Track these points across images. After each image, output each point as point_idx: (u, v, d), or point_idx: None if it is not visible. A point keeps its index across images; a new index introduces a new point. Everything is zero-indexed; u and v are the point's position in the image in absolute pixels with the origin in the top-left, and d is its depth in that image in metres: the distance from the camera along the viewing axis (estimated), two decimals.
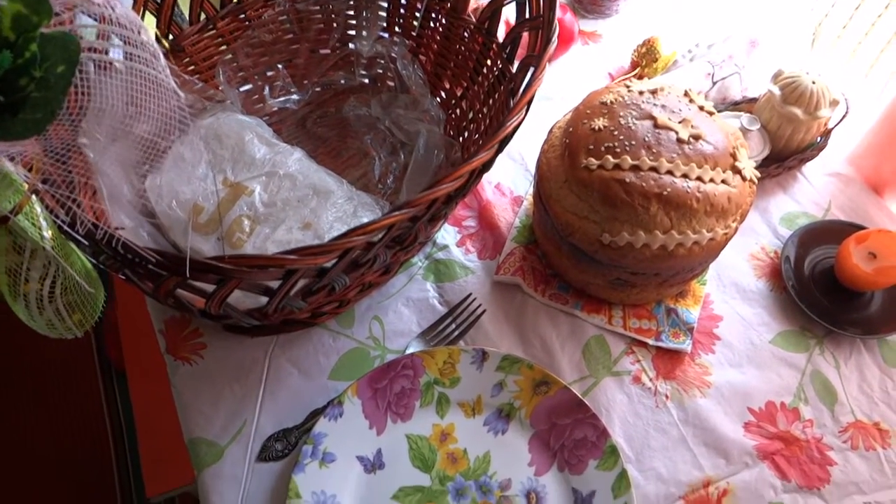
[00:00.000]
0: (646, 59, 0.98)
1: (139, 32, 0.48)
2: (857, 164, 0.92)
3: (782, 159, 0.88)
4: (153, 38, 0.51)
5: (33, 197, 0.49)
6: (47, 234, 0.51)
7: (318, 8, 0.91)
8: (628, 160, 0.68)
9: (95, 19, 0.49)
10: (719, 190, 0.69)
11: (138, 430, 1.09)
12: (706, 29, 1.04)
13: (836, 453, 0.73)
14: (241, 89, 0.89)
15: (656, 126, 0.70)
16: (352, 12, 0.92)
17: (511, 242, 0.85)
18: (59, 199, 0.47)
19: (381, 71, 0.95)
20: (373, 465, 0.71)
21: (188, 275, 0.49)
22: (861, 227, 0.83)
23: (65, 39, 0.43)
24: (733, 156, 0.71)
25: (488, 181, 0.90)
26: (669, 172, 0.68)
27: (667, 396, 0.76)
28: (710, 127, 0.71)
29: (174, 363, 0.77)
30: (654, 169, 0.68)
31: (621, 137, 0.69)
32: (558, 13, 0.98)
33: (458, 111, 0.89)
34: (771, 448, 0.73)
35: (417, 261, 0.84)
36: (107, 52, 0.51)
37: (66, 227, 0.48)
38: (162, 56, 0.50)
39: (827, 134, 0.89)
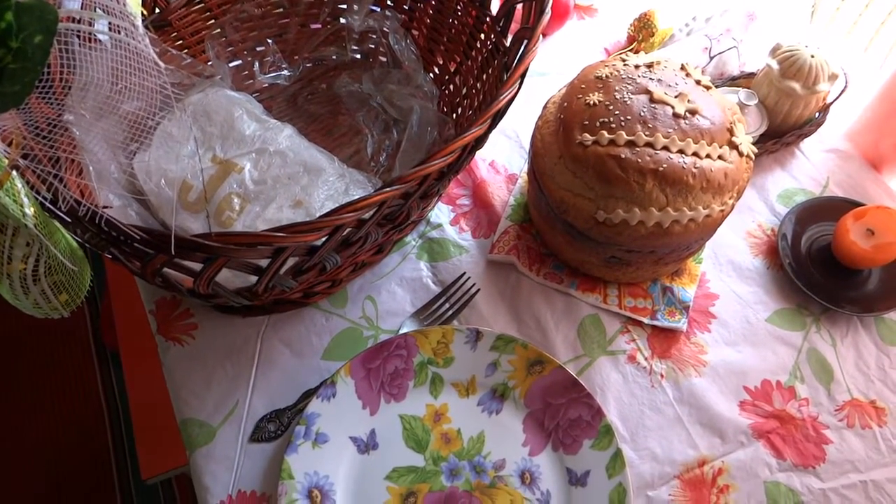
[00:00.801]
0: (642, 34, 0.97)
1: (122, 2, 0.47)
2: (856, 139, 0.91)
3: (780, 135, 0.87)
4: (137, 13, 0.49)
5: (14, 173, 0.48)
6: (29, 211, 0.49)
7: None
8: (624, 135, 0.67)
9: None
10: (716, 166, 0.68)
11: (132, 411, 1.08)
12: (703, 2, 1.02)
13: (831, 432, 0.72)
14: (231, 65, 0.87)
15: (652, 101, 0.69)
16: None
17: (505, 221, 0.84)
18: (41, 175, 0.46)
19: (373, 46, 0.93)
20: (366, 445, 0.70)
21: (174, 252, 0.48)
22: (859, 204, 0.82)
23: (42, 8, 0.41)
24: (730, 131, 0.70)
25: (482, 159, 0.89)
26: (665, 148, 0.67)
27: (662, 375, 0.75)
28: (706, 102, 0.70)
29: (165, 343, 0.76)
30: (649, 144, 0.67)
31: (616, 112, 0.68)
32: None
33: (451, 87, 0.87)
34: (766, 427, 0.72)
35: (411, 240, 0.83)
36: (91, 24, 0.50)
37: (48, 205, 0.46)
38: (143, 29, 0.48)
39: (825, 109, 0.88)
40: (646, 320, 0.78)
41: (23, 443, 1.49)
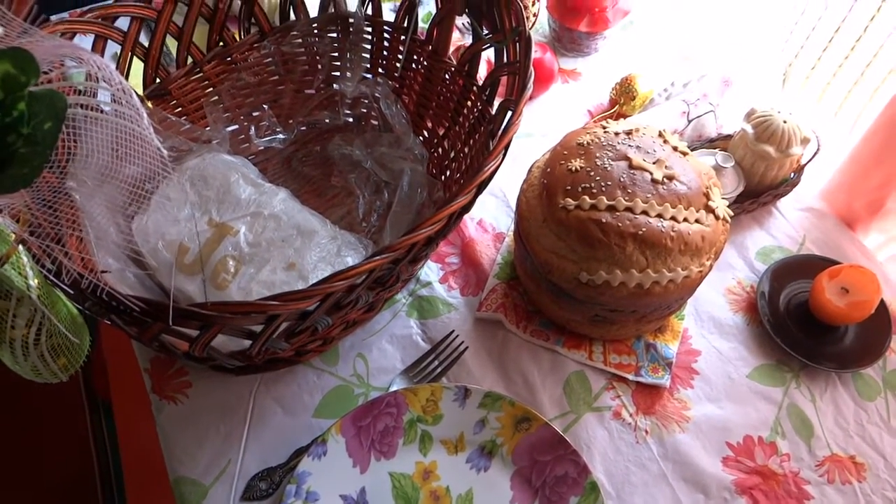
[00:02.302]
0: (623, 97, 1.01)
1: (124, 91, 0.50)
2: (830, 199, 0.94)
3: (757, 195, 0.91)
4: (135, 97, 0.52)
5: (20, 247, 0.50)
6: (33, 282, 0.52)
7: (303, 50, 0.93)
8: (604, 200, 0.70)
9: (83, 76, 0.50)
10: (693, 229, 0.71)
11: (125, 468, 1.09)
12: (682, 68, 1.07)
13: (813, 487, 0.74)
14: (228, 129, 0.91)
15: (631, 167, 0.72)
16: (336, 54, 0.94)
17: (493, 279, 0.86)
18: (46, 249, 0.48)
19: (364, 110, 0.97)
20: (356, 503, 0.72)
21: (171, 322, 0.50)
22: (834, 262, 0.85)
23: (52, 97, 0.44)
24: (706, 195, 0.73)
25: (471, 218, 0.92)
26: (644, 213, 0.70)
27: (647, 432, 0.77)
28: (683, 167, 0.73)
29: (160, 402, 0.78)
30: (629, 209, 0.70)
31: (597, 178, 0.71)
32: (538, 53, 1.01)
33: (440, 150, 0.90)
34: (749, 483, 0.74)
35: (401, 297, 0.85)
36: (94, 95, 0.53)
37: (51, 277, 0.49)
38: (146, 115, 0.51)
39: (800, 170, 0.92)
40: (630, 377, 0.80)
41: (9, 494, 1.48)
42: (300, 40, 0.92)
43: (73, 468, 1.52)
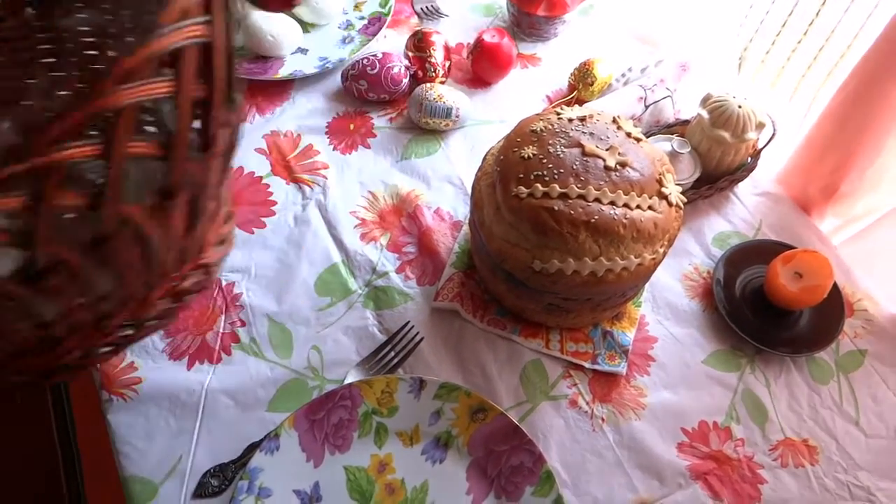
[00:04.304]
0: (582, 83, 1.00)
1: None
2: (786, 183, 0.94)
3: (714, 180, 0.91)
4: None
5: None
6: None
7: None
8: (557, 188, 0.69)
9: None
10: (646, 216, 0.70)
11: (84, 468, 1.06)
12: (640, 53, 1.06)
13: (766, 471, 0.74)
14: None
15: (584, 154, 0.71)
16: None
17: (450, 268, 0.85)
18: None
19: None
20: (310, 498, 0.71)
21: None
22: (789, 246, 0.86)
23: None
24: (660, 182, 0.72)
25: (428, 206, 0.91)
26: (597, 200, 0.69)
27: (603, 419, 0.77)
28: (637, 154, 0.73)
29: (108, 398, 0.76)
30: (581, 197, 0.69)
31: (550, 165, 0.70)
32: (496, 38, 1.00)
33: None
34: (703, 468, 0.74)
35: (357, 288, 0.84)
36: None
37: None
38: None
39: (756, 155, 0.92)
40: (587, 365, 0.79)
41: None
42: None
43: (39, 467, 1.49)
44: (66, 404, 1.56)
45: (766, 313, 0.83)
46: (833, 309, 0.82)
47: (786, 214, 0.93)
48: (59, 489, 1.46)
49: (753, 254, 0.87)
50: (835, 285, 0.82)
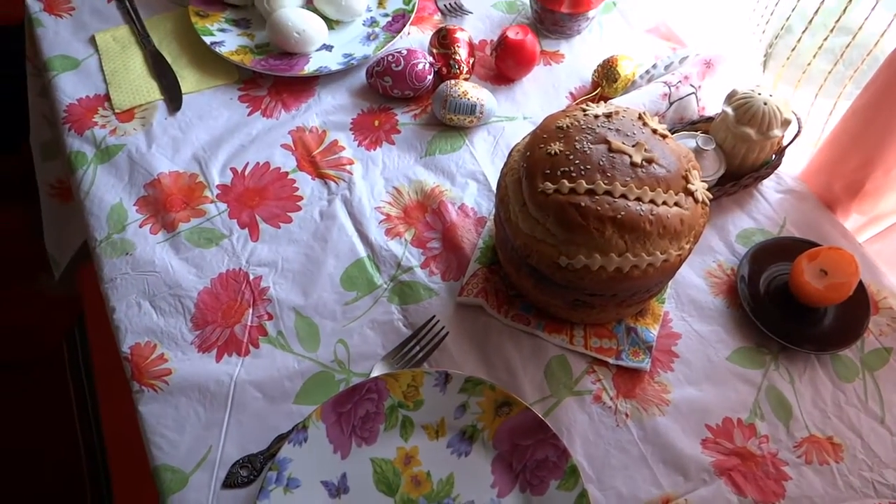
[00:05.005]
0: (605, 80, 1.00)
1: None
2: (810, 181, 0.94)
3: (738, 177, 0.91)
4: None
5: None
6: None
7: None
8: (583, 184, 0.69)
9: None
10: (672, 212, 0.70)
11: (110, 460, 1.08)
12: (664, 50, 1.06)
13: (790, 468, 0.75)
14: None
15: (610, 150, 0.71)
16: None
17: (474, 264, 0.86)
18: None
19: None
20: (337, 489, 0.72)
21: None
22: (813, 244, 0.86)
23: None
24: (685, 178, 0.73)
25: (452, 202, 0.92)
26: (623, 196, 0.69)
27: (627, 415, 0.77)
28: (662, 150, 0.73)
29: (139, 389, 0.77)
30: (608, 193, 0.69)
31: (577, 162, 0.71)
32: (520, 35, 1.00)
33: None
34: (728, 464, 0.74)
35: (382, 283, 0.85)
36: None
37: None
38: None
39: (781, 152, 0.92)
40: (611, 360, 0.80)
41: None
42: None
43: (61, 463, 1.52)
44: (89, 398, 1.59)
45: (791, 311, 0.83)
46: (858, 307, 0.82)
47: (810, 212, 0.93)
48: (83, 485, 1.49)
49: (778, 251, 0.87)
50: (860, 283, 0.82)
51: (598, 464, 0.74)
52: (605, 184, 0.69)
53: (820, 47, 0.89)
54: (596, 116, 0.75)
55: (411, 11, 1.09)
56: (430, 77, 1.00)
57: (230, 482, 0.72)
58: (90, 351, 1.24)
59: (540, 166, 0.72)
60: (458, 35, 1.01)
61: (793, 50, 0.93)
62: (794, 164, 0.96)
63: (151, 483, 0.74)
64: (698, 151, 0.88)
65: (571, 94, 1.04)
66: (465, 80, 1.00)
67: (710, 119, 0.95)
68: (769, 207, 0.93)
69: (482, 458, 0.74)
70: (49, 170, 1.24)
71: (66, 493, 1.46)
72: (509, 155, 0.80)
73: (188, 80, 1.02)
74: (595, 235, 0.69)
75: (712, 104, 0.98)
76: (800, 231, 0.91)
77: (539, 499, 0.71)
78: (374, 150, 0.97)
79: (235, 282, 0.85)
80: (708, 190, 0.77)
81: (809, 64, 0.92)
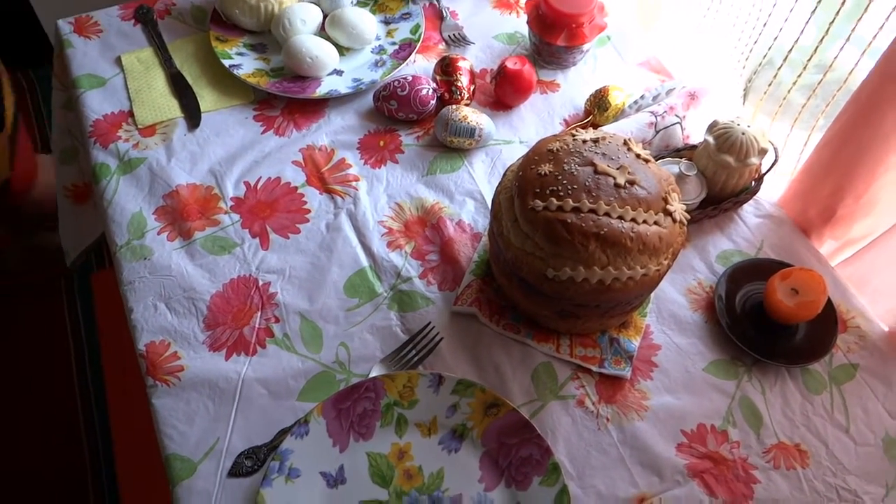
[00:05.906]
0: (597, 108, 1.07)
1: None
2: (787, 207, 1.00)
3: (719, 202, 0.97)
4: None
5: None
6: None
7: None
8: (570, 202, 0.75)
9: None
10: (651, 230, 0.76)
11: (115, 450, 1.12)
12: (653, 82, 1.13)
13: (759, 472, 0.80)
14: None
15: (596, 172, 0.78)
16: None
17: (469, 275, 0.92)
18: None
19: None
20: (335, 480, 0.77)
21: None
22: (786, 265, 0.91)
23: None
24: (665, 200, 0.79)
25: (450, 218, 0.98)
26: (607, 214, 0.75)
27: (607, 419, 0.82)
28: (644, 173, 0.79)
29: (153, 384, 0.83)
30: (593, 211, 0.75)
31: (565, 182, 0.77)
32: (518, 65, 1.07)
33: None
34: (700, 467, 0.79)
35: (383, 291, 0.91)
36: None
37: None
38: None
39: (760, 179, 0.98)
40: (594, 368, 0.85)
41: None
42: None
43: (62, 457, 1.56)
44: (94, 397, 1.62)
45: (765, 327, 0.88)
46: (827, 324, 0.88)
47: (786, 236, 0.98)
48: (84, 481, 1.52)
49: (754, 271, 0.92)
50: (829, 302, 0.88)
51: (579, 463, 0.79)
52: (590, 202, 0.75)
53: (794, 83, 0.96)
54: (584, 141, 0.81)
55: (417, 41, 1.16)
56: (433, 102, 1.06)
57: (235, 471, 0.77)
58: (100, 354, 1.29)
59: (531, 185, 0.78)
60: (461, 63, 1.08)
61: (769, 84, 1.00)
62: (773, 191, 1.02)
63: (158, 476, 0.79)
64: (681, 177, 0.94)
65: (565, 120, 1.11)
66: (466, 105, 1.07)
67: (693, 147, 1.01)
68: (748, 231, 0.99)
69: (471, 454, 0.79)
70: (66, 173, 1.31)
71: (67, 495, 1.50)
72: (504, 175, 0.87)
73: (207, 99, 1.09)
74: (580, 249, 0.75)
75: (696, 133, 1.04)
76: (776, 254, 0.97)
77: (523, 493, 0.76)
78: (379, 168, 1.03)
79: (246, 287, 0.91)
80: (689, 213, 0.83)
81: (786, 97, 0.99)
